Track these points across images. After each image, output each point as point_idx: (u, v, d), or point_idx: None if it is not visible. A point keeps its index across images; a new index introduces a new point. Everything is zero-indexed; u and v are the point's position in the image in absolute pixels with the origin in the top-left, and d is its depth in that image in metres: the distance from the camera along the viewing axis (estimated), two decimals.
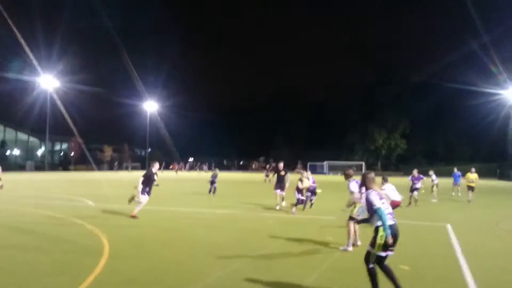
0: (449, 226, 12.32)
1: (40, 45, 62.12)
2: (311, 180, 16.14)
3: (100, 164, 74.75)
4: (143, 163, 77.95)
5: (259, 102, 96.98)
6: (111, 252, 8.18)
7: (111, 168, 72.98)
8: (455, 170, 25.82)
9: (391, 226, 5.52)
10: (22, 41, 47.98)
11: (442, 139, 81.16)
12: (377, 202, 5.68)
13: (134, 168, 74.22)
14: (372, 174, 6.17)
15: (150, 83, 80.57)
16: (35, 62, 54.62)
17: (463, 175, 23.15)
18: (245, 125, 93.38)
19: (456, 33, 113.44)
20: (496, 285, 6.59)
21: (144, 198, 12.73)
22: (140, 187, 12.62)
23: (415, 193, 18.63)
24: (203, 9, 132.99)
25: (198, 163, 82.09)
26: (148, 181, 12.82)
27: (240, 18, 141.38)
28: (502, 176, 59.27)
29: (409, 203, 18.20)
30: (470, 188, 20.99)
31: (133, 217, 12.61)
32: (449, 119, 77.79)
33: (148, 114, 77.68)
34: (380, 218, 5.56)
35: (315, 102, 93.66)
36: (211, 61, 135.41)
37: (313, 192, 16.22)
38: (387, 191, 10.74)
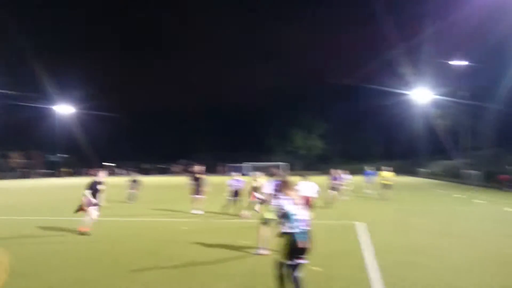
0: (361, 224, 12.69)
1: None
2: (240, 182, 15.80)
3: (7, 172, 69.56)
4: (57, 170, 73.86)
5: (181, 105, 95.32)
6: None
7: (19, 175, 68.18)
8: (367, 168, 27.08)
9: (302, 233, 5.31)
10: None
11: (357, 138, 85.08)
12: (287, 207, 5.48)
13: (46, 175, 69.99)
14: (290, 178, 5.97)
15: (63, 86, 75.96)
16: None
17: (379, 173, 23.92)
18: (165, 128, 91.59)
19: (371, 37, 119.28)
20: (400, 282, 6.73)
21: (93, 211, 11.34)
22: (89, 198, 11.25)
23: (335, 192, 18.89)
24: (117, 10, 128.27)
25: (125, 169, 79.18)
26: (93, 191, 11.50)
27: (155, 19, 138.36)
28: (413, 173, 63.39)
29: (328, 202, 18.21)
30: (386, 186, 21.74)
31: (84, 232, 11.19)
32: (364, 119, 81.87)
33: (61, 118, 73.44)
34: (289, 223, 5.37)
35: (235, 105, 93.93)
36: (127, 63, 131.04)
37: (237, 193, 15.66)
38: (300, 187, 10.88)
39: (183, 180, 41.82)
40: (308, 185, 12.07)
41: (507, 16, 35.38)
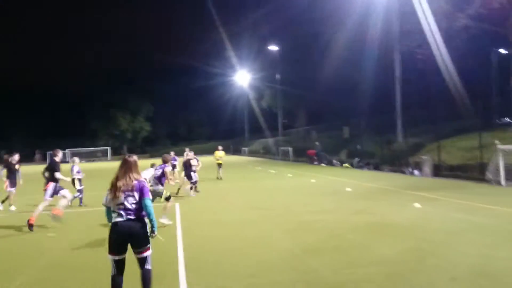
0: (182, 204, 12.99)
1: None
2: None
3: None
4: None
5: None
6: None
7: None
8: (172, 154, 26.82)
9: (116, 224, 4.72)
10: None
11: (184, 120, 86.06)
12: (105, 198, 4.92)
13: None
14: (132, 158, 5.10)
15: None
16: None
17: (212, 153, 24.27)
18: None
19: (200, 23, 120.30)
20: (201, 256, 7.06)
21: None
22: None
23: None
24: None
25: None
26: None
27: None
28: (236, 152, 66.82)
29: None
30: (219, 165, 22.42)
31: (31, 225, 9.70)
32: (191, 100, 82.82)
33: None
34: (111, 211, 4.84)
35: (53, 87, 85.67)
36: None
37: None
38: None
39: None
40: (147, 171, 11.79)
41: (321, 8, 38.85)
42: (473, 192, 13.77)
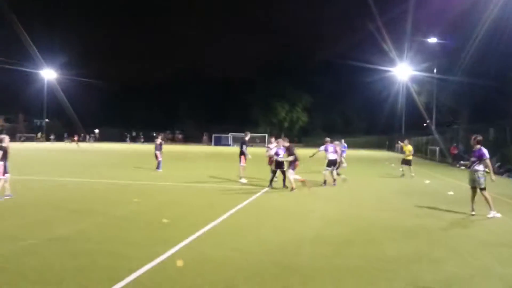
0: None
1: None
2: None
3: None
4: (35, 135, 74.99)
5: (165, 75, 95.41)
6: None
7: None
8: (343, 141, 26.03)
9: None
10: None
11: (341, 113, 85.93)
12: None
13: (29, 139, 70.08)
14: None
15: (47, 51, 75.01)
16: None
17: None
18: (150, 98, 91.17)
19: (356, 16, 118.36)
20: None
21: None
22: None
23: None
24: None
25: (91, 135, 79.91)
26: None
27: None
28: (390, 148, 64.49)
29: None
30: (407, 162, 20.71)
31: None
32: (348, 95, 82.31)
33: (46, 82, 73.56)
34: None
35: (220, 76, 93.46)
36: (116, 32, 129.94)
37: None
38: None
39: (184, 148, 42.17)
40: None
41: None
42: None
